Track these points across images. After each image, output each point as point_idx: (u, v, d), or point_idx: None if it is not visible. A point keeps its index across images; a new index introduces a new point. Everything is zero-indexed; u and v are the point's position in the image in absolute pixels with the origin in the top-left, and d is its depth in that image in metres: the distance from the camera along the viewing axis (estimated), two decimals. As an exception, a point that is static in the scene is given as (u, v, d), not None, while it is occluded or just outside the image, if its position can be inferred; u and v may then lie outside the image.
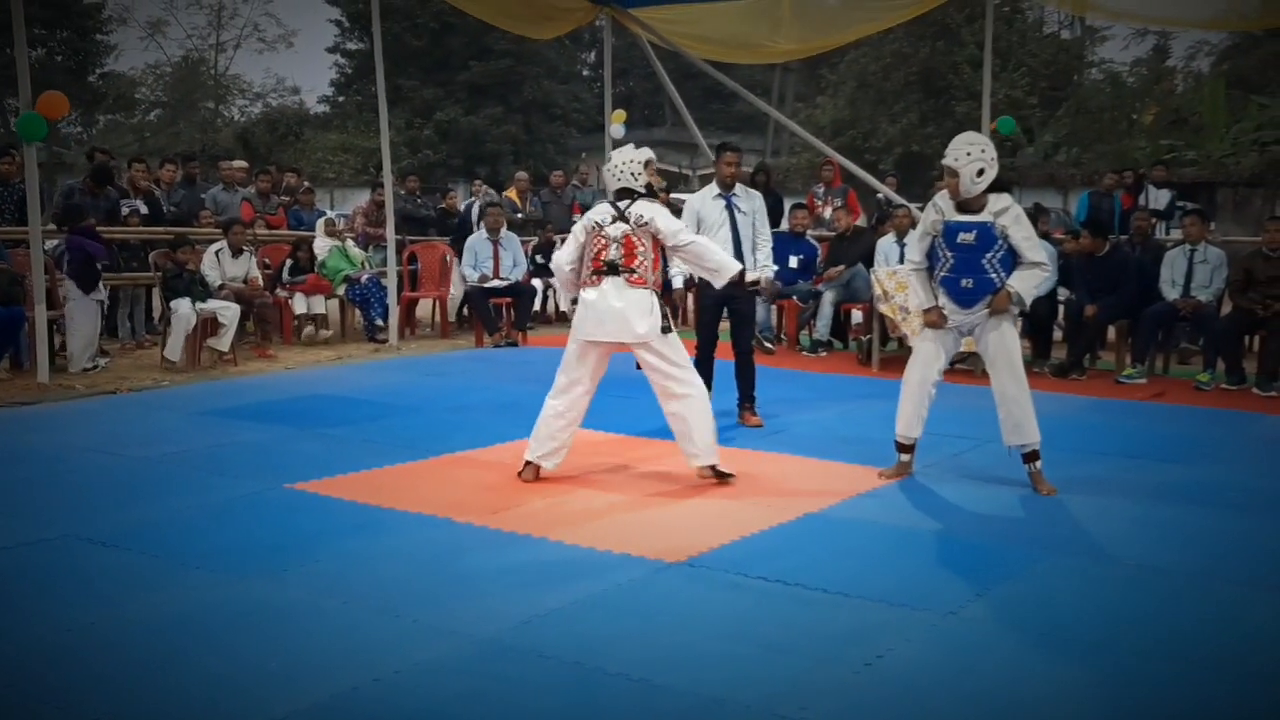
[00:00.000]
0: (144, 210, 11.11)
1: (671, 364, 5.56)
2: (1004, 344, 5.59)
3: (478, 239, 11.73)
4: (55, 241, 9.52)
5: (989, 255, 5.47)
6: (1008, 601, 4.10)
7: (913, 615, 3.91)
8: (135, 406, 7.96)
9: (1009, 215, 5.44)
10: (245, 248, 10.54)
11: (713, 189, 7.24)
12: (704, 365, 7.16)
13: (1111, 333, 9.67)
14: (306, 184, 14.40)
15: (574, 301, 5.76)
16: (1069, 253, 9.71)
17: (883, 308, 9.43)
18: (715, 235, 6.91)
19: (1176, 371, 9.59)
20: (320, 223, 12.09)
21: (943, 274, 5.59)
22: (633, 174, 5.61)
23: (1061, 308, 9.79)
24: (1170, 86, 30.45)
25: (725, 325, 7.33)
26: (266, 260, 11.47)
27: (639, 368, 5.68)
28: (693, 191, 32.00)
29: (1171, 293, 9.20)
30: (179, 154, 16.61)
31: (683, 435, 5.65)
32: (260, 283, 10.70)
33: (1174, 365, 9.75)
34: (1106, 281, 9.30)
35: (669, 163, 35.73)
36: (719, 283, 5.79)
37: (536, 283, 12.43)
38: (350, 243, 12.00)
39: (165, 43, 58.69)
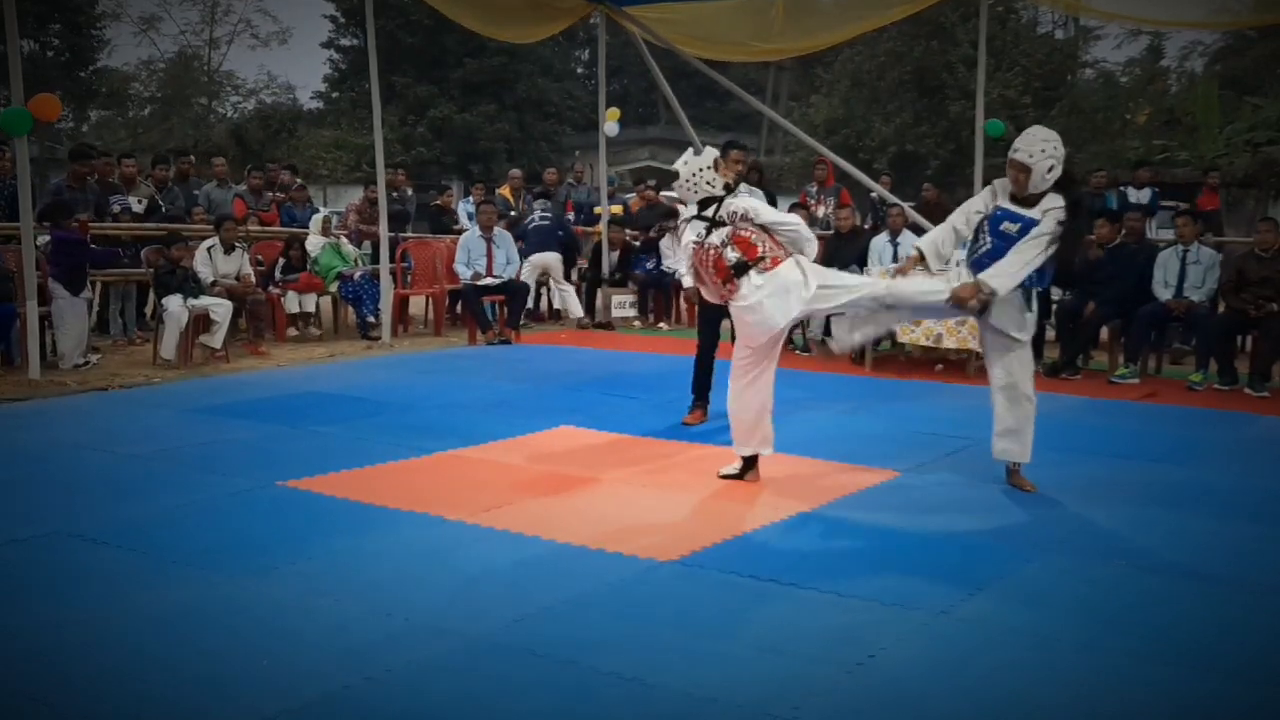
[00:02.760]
0: (135, 207, 11.07)
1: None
2: (1005, 362, 5.52)
3: (471, 236, 11.72)
4: (46, 237, 9.49)
5: None
6: (1000, 601, 4.10)
7: (905, 614, 3.92)
8: (127, 403, 7.93)
9: (1052, 214, 5.33)
10: (238, 244, 10.52)
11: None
12: (704, 365, 7.14)
13: (1104, 333, 9.68)
14: (299, 181, 14.39)
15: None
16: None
17: None
18: None
19: (1169, 372, 9.61)
20: (316, 220, 12.07)
21: (976, 255, 5.47)
22: (708, 182, 5.46)
23: (1055, 307, 9.80)
24: (1163, 87, 30.55)
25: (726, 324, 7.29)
26: (259, 257, 11.45)
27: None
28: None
29: (1164, 293, 9.22)
30: (171, 150, 16.58)
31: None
32: (253, 280, 10.67)
33: (1166, 365, 9.77)
34: (1102, 280, 9.30)
35: (663, 160, 35.78)
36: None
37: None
38: (343, 240, 11.98)
39: (158, 38, 58.41)
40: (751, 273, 5.29)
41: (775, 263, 5.31)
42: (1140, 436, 7.11)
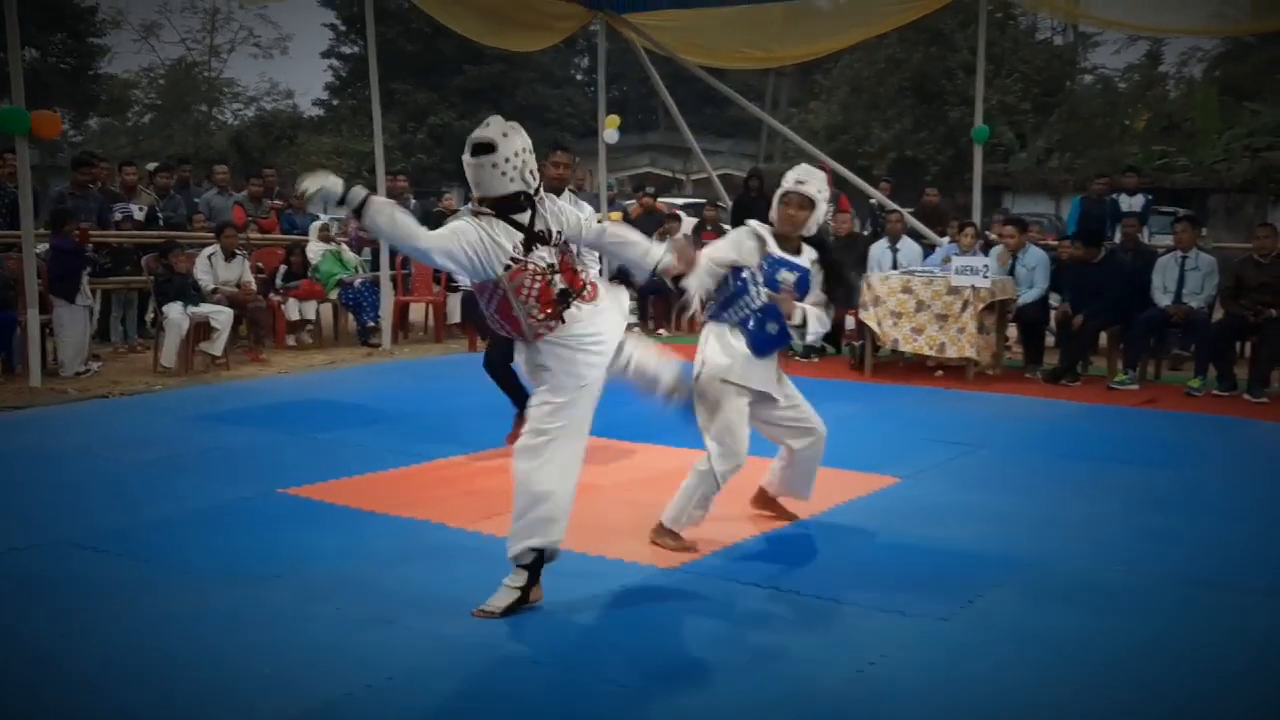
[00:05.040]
0: (137, 215, 11.08)
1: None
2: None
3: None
4: (47, 245, 9.49)
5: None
6: (1000, 608, 4.11)
7: (905, 621, 3.92)
8: (127, 410, 7.94)
9: (816, 265, 4.88)
10: (238, 252, 10.53)
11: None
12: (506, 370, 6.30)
13: (1103, 339, 9.69)
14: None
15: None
16: (1065, 259, 9.73)
17: (865, 315, 9.43)
18: None
19: (1168, 377, 9.61)
20: (316, 227, 12.08)
21: (745, 315, 4.83)
22: (531, 171, 4.05)
23: (1053, 313, 9.81)
24: (1162, 92, 30.58)
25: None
26: (259, 264, 11.46)
27: None
28: (687, 195, 31.73)
29: (1163, 299, 9.22)
30: (171, 156, 16.60)
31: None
32: (253, 287, 10.68)
33: (1165, 371, 9.78)
34: (1097, 288, 9.31)
35: (662, 167, 35.78)
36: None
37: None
38: (344, 247, 11.99)
39: (159, 45, 58.31)
40: (574, 305, 4.10)
41: (594, 293, 4.22)
42: (1139, 442, 7.12)
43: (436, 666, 3.55)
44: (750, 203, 13.98)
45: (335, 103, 36.35)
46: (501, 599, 3.96)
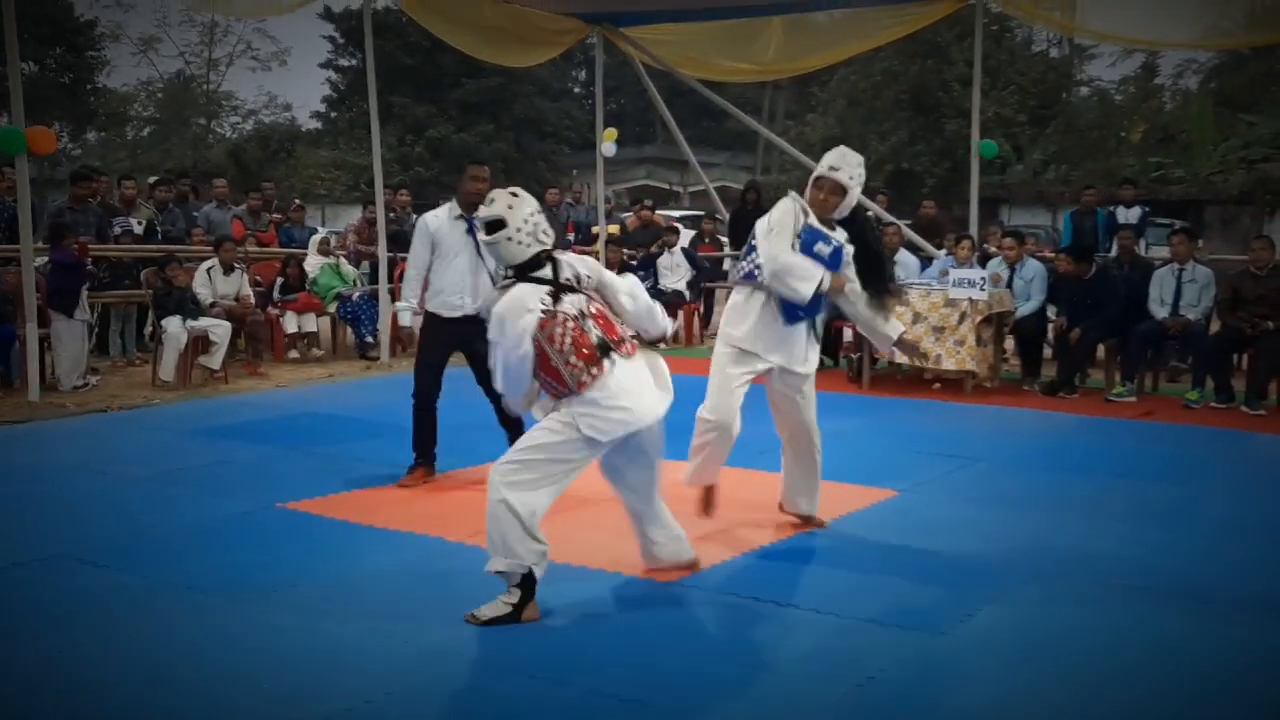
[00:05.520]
0: (136, 229, 11.10)
1: None
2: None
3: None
4: (45, 259, 9.50)
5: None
6: (998, 622, 4.11)
7: (903, 636, 3.92)
8: (126, 425, 7.94)
9: (848, 246, 4.99)
10: (236, 265, 10.54)
11: (453, 208, 6.06)
12: (426, 415, 6.34)
13: (1101, 351, 9.71)
14: (298, 201, 14.43)
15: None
16: (1059, 273, 9.75)
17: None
18: (451, 263, 5.99)
19: (1166, 390, 9.63)
20: (314, 240, 12.10)
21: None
22: (545, 231, 4.19)
23: (1051, 326, 9.83)
24: (1158, 104, 30.68)
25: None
26: (258, 278, 11.47)
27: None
28: (684, 208, 31.66)
29: (1160, 311, 9.24)
30: (169, 170, 16.62)
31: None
32: (252, 300, 10.69)
33: (1163, 383, 9.79)
34: (1092, 301, 9.33)
35: (659, 180, 35.86)
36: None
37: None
38: (342, 260, 12.00)
39: (157, 59, 58.49)
40: (613, 355, 4.12)
41: (634, 347, 4.28)
42: (1137, 455, 7.13)
43: (436, 682, 3.55)
44: (748, 215, 14.03)
45: (333, 116, 36.44)
46: (490, 610, 4.00)
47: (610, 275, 4.38)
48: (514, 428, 5.67)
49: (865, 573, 4.70)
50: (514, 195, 4.15)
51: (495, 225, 4.08)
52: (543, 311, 4.01)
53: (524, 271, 4.09)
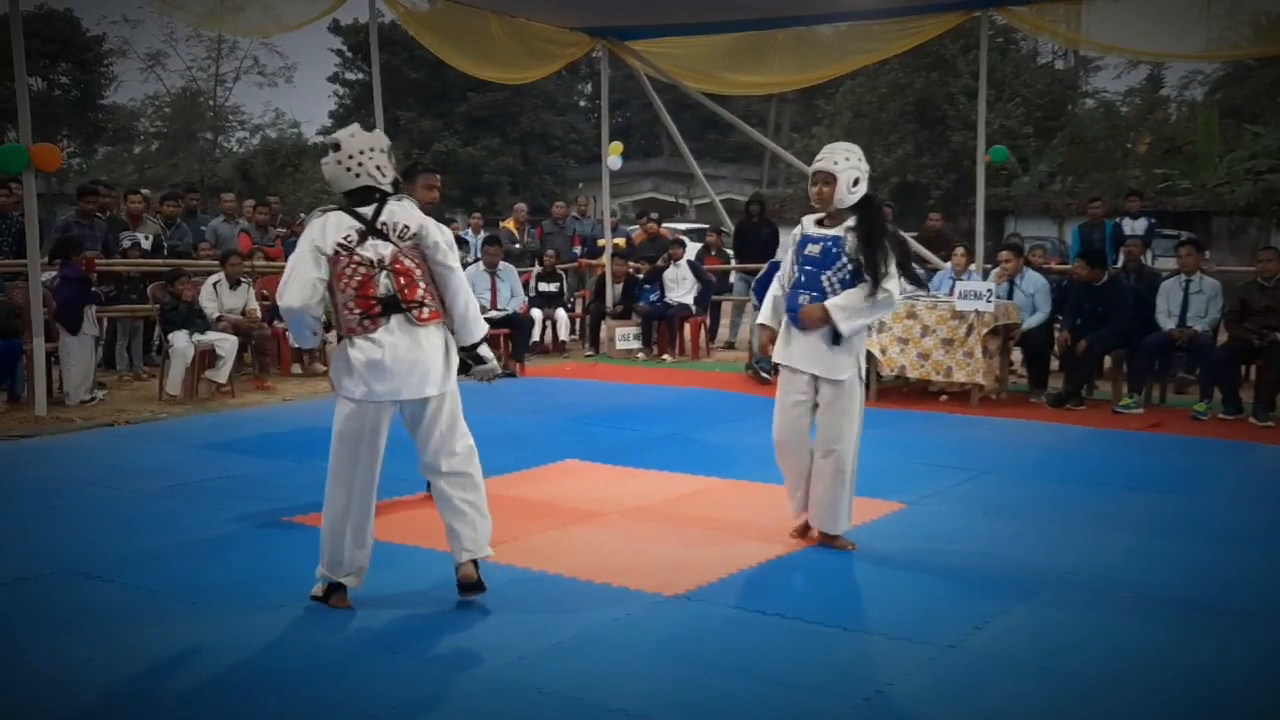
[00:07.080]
0: (144, 244, 11.13)
1: None
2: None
3: (475, 271, 11.79)
4: (54, 273, 9.53)
5: (828, 273, 4.99)
6: (1007, 634, 4.09)
7: (912, 649, 3.91)
8: (133, 439, 7.95)
9: (854, 232, 4.97)
10: (243, 279, 10.56)
11: None
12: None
13: (1108, 362, 9.68)
14: (304, 215, 14.46)
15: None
16: (1073, 278, 9.73)
17: (868, 340, 9.40)
18: None
19: (1173, 401, 9.60)
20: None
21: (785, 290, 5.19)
22: (377, 167, 4.15)
23: (1058, 338, 9.80)
24: (1164, 116, 30.70)
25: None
26: (264, 291, 11.48)
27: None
28: (690, 221, 31.75)
29: (1168, 323, 9.22)
30: (177, 185, 16.67)
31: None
32: (258, 314, 10.70)
33: (1171, 395, 9.76)
34: (1102, 309, 9.32)
35: (665, 193, 35.88)
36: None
37: (536, 313, 12.65)
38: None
39: (165, 74, 58.70)
40: (395, 318, 4.04)
41: (434, 316, 4.13)
42: (1145, 467, 7.10)
43: (442, 696, 3.53)
44: (753, 228, 14.06)
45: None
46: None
47: (448, 253, 4.20)
48: None
49: (873, 585, 4.68)
50: (366, 132, 4.21)
51: (332, 147, 4.16)
52: (339, 247, 4.01)
53: (351, 202, 4.12)
